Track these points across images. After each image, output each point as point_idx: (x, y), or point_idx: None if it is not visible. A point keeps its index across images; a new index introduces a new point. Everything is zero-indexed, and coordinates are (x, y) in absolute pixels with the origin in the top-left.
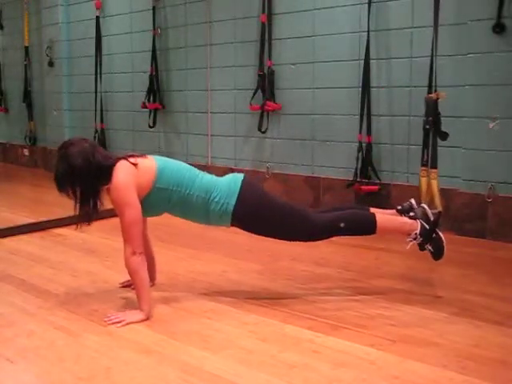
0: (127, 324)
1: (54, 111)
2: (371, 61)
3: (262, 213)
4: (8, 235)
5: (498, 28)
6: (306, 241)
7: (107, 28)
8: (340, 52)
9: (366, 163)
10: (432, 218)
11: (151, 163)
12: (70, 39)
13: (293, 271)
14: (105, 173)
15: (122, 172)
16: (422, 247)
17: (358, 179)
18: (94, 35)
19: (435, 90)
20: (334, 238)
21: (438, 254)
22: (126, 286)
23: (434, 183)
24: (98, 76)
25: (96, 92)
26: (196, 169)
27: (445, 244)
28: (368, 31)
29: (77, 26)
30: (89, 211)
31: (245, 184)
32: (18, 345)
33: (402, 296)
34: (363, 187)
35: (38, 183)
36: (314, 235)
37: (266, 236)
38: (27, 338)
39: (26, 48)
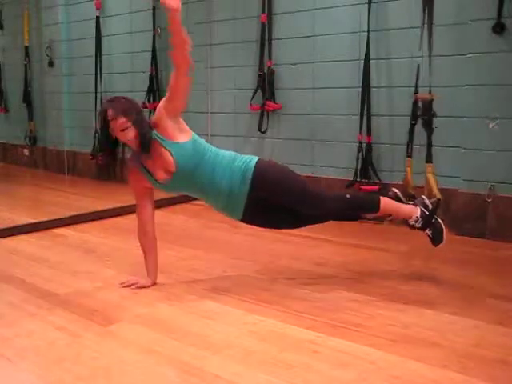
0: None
1: (53, 111)
2: (371, 61)
3: (280, 175)
4: (8, 235)
5: (498, 28)
6: (315, 207)
7: (107, 28)
8: (340, 52)
9: (366, 163)
10: (430, 206)
11: None
12: (70, 39)
13: (293, 271)
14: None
15: None
16: (421, 229)
17: (358, 179)
18: (94, 35)
19: (429, 91)
20: (333, 238)
21: (437, 238)
22: (127, 286)
23: (431, 176)
24: (98, 76)
25: (96, 92)
26: None
27: (444, 229)
28: (368, 31)
29: (77, 26)
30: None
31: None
32: (17, 345)
33: (402, 296)
34: (363, 187)
35: (38, 183)
36: (323, 201)
37: (280, 208)
38: (27, 337)
39: (26, 48)
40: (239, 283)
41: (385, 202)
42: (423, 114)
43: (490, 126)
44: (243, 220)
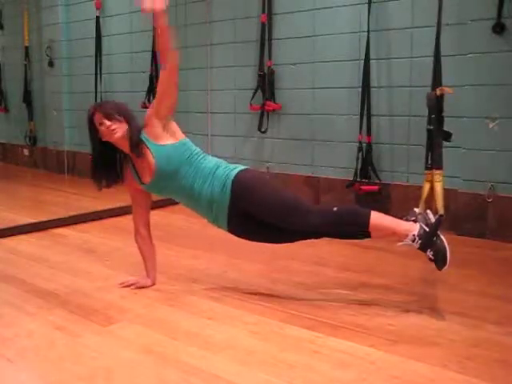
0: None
1: (53, 111)
2: (371, 61)
3: (260, 186)
4: (8, 235)
5: (498, 28)
6: (300, 222)
7: (107, 28)
8: (340, 52)
9: (366, 163)
10: (432, 222)
11: None
12: (70, 39)
13: (293, 271)
14: None
15: None
16: (421, 250)
17: (358, 179)
18: (94, 35)
19: (438, 86)
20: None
21: (439, 261)
22: (126, 286)
23: (439, 186)
24: (98, 76)
25: (96, 92)
26: None
27: (448, 251)
28: (368, 31)
29: (77, 26)
30: (138, 149)
31: (248, 167)
32: (17, 345)
33: (403, 296)
34: (363, 187)
35: (38, 183)
36: (308, 216)
37: (260, 219)
38: (27, 338)
39: (26, 48)
40: (239, 283)
41: (376, 217)
42: (431, 112)
43: (490, 126)
44: (230, 231)
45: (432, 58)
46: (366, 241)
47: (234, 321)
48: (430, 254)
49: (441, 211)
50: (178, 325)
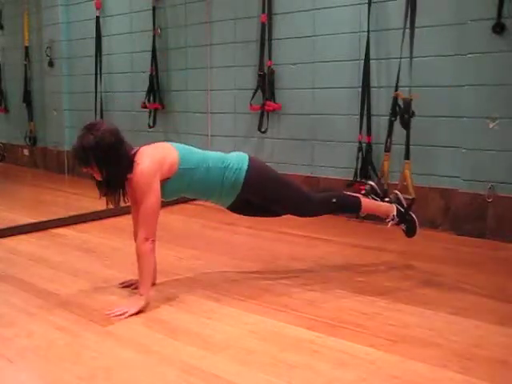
0: (130, 316)
1: (53, 111)
2: (371, 61)
3: (268, 178)
4: (8, 235)
5: (498, 28)
6: (302, 213)
7: (107, 28)
8: (340, 52)
9: (366, 163)
10: (405, 203)
11: (172, 149)
12: (70, 39)
13: (293, 271)
14: (129, 161)
15: (148, 158)
16: (398, 225)
17: (358, 179)
18: (94, 35)
19: (409, 92)
20: (333, 238)
21: (410, 232)
22: (126, 286)
23: (407, 173)
24: (98, 76)
25: (96, 92)
26: None
27: (417, 225)
28: (368, 31)
29: (77, 26)
30: (114, 197)
31: (251, 157)
32: (17, 345)
33: (402, 296)
34: (363, 187)
35: (38, 183)
36: (310, 207)
37: (267, 208)
38: (27, 338)
39: (26, 48)
40: (239, 283)
41: (365, 203)
42: (402, 113)
43: (490, 126)
44: (228, 209)
45: (433, 58)
46: (365, 241)
47: (233, 321)
48: (403, 227)
49: (412, 195)
50: (178, 325)
